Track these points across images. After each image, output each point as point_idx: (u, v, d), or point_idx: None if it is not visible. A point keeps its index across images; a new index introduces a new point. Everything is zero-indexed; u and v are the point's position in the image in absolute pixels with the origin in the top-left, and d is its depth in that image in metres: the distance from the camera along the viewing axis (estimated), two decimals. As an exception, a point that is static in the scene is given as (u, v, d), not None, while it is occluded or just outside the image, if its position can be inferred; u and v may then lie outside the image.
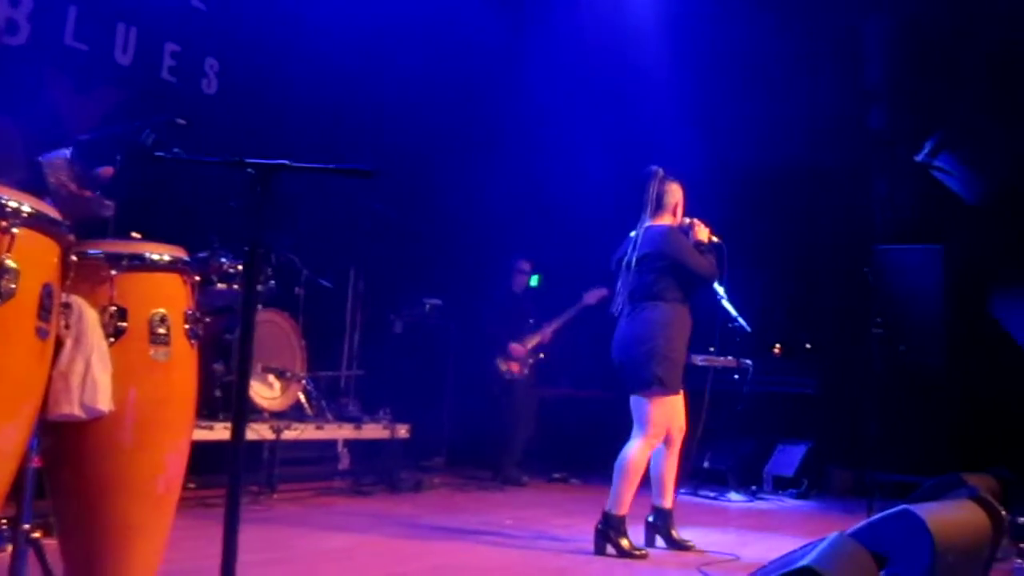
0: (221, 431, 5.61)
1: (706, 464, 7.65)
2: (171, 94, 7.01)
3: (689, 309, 4.94)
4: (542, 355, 7.77)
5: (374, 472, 6.88)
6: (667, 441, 4.89)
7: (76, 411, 2.36)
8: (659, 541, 4.95)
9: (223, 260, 6.12)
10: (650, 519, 4.97)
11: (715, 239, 5.05)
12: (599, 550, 4.67)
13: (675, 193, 5.02)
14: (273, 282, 6.48)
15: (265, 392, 6.23)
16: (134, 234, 5.63)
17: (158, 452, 2.62)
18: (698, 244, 4.97)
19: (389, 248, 8.13)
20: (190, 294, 2.72)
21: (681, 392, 4.89)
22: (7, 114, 2.91)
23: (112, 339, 2.51)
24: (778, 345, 8.68)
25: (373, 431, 6.91)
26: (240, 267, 6.16)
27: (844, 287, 7.48)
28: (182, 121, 2.36)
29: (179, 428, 2.68)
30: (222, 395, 5.88)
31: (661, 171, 5.05)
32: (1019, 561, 4.22)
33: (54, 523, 2.56)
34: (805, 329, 8.59)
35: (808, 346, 8.62)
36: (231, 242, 6.12)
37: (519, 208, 8.80)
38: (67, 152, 2.46)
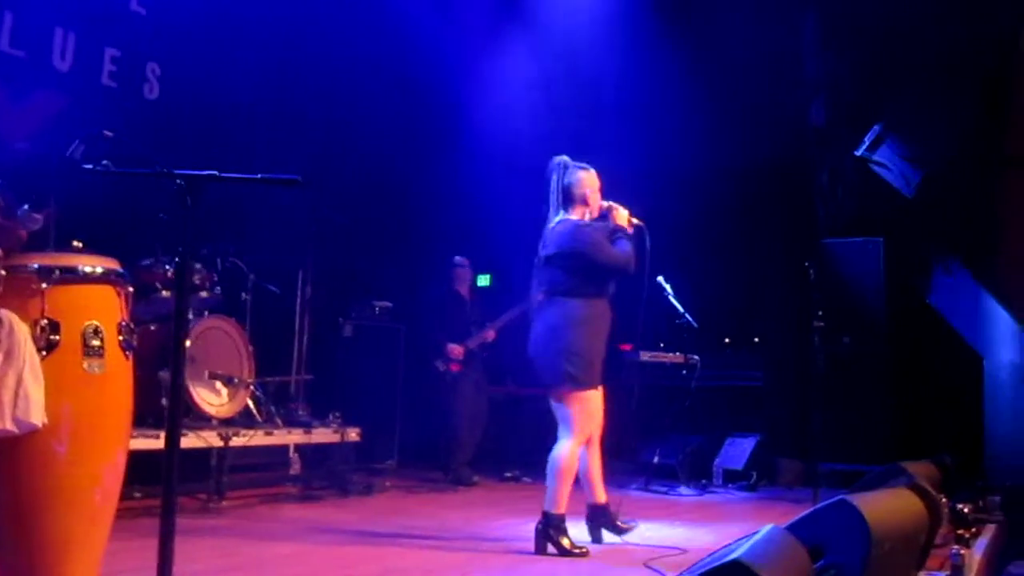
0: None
1: (656, 459, 7.73)
2: (112, 100, 6.94)
3: (607, 301, 4.84)
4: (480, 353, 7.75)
5: (325, 476, 6.87)
6: (586, 440, 4.87)
7: (8, 426, 2.36)
8: (606, 535, 4.99)
9: (167, 267, 6.08)
10: (590, 516, 5.02)
11: (636, 221, 4.90)
12: (539, 549, 4.68)
13: (585, 182, 4.82)
14: (219, 288, 6.46)
15: (213, 399, 6.19)
16: (75, 243, 5.61)
17: (94, 464, 2.62)
18: (616, 229, 4.83)
19: (337, 251, 8.11)
20: (124, 305, 2.72)
21: (599, 388, 4.85)
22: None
23: (44, 352, 2.50)
24: (727, 339, 8.81)
25: (323, 435, 6.90)
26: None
27: (790, 280, 7.60)
28: (109, 134, 2.35)
29: (115, 440, 2.68)
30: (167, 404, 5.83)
31: (566, 160, 4.88)
32: (956, 547, 4.32)
33: (-10, 538, 2.55)
34: (752, 323, 8.71)
35: (756, 339, 8.74)
36: (175, 249, 6.08)
37: (469, 208, 8.82)
38: (-7, 187, 2.45)
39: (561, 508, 4.69)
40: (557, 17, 9.04)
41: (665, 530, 5.49)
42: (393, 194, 8.89)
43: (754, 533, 3.00)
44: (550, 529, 4.67)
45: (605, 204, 4.89)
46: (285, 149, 7.56)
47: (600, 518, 5.00)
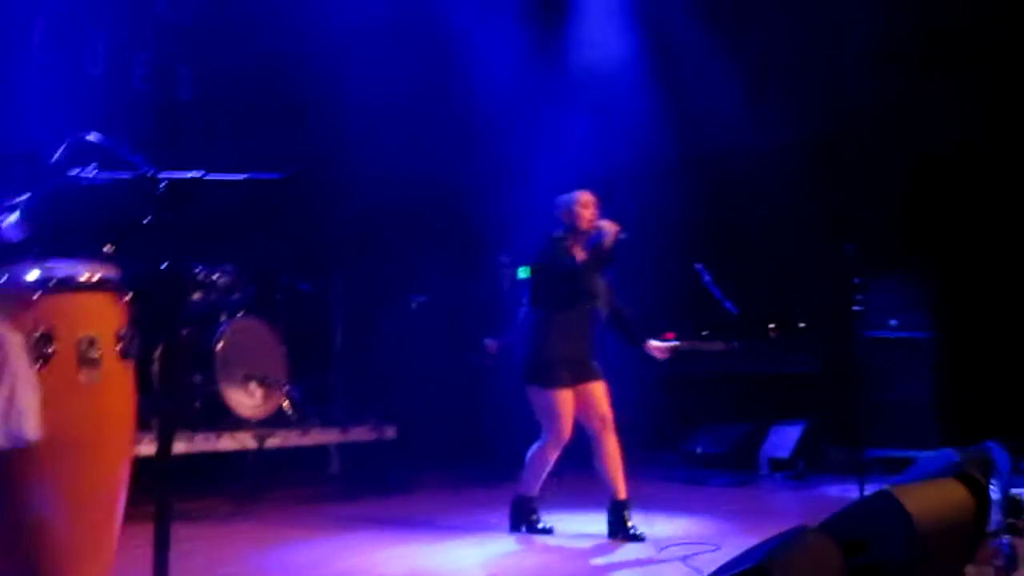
0: (201, 443, 5.62)
1: (699, 449, 7.58)
2: (145, 102, 6.97)
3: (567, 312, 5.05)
4: None
5: (365, 475, 6.84)
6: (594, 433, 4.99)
7: (0, 441, 2.31)
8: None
9: (197, 271, 6.10)
10: (611, 510, 4.97)
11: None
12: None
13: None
14: (252, 288, 6.47)
15: (247, 401, 6.16)
16: (106, 248, 5.62)
17: (96, 473, 2.57)
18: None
19: (372, 247, 8.05)
20: (122, 312, 2.66)
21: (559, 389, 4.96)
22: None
23: (40, 363, 2.45)
24: (772, 325, 8.60)
25: (360, 433, 6.87)
26: (214, 277, 6.17)
27: (830, 264, 7.40)
28: (92, 138, 2.31)
29: (116, 448, 2.63)
30: (201, 406, 5.85)
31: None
32: (1006, 537, 4.12)
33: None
34: (797, 308, 8.50)
35: (802, 324, 8.53)
36: (202, 253, 6.10)
37: (505, 202, 8.71)
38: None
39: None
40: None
41: (705, 523, 5.36)
42: (426, 189, 8.79)
43: (783, 535, 2.87)
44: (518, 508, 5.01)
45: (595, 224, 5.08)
46: (316, 145, 7.51)
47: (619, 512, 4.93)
